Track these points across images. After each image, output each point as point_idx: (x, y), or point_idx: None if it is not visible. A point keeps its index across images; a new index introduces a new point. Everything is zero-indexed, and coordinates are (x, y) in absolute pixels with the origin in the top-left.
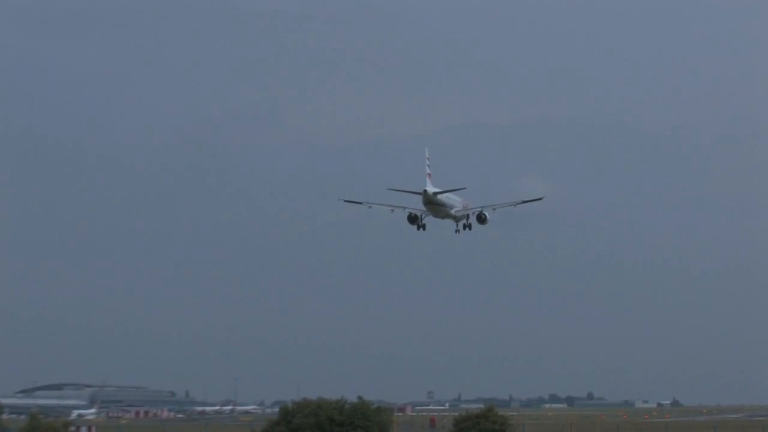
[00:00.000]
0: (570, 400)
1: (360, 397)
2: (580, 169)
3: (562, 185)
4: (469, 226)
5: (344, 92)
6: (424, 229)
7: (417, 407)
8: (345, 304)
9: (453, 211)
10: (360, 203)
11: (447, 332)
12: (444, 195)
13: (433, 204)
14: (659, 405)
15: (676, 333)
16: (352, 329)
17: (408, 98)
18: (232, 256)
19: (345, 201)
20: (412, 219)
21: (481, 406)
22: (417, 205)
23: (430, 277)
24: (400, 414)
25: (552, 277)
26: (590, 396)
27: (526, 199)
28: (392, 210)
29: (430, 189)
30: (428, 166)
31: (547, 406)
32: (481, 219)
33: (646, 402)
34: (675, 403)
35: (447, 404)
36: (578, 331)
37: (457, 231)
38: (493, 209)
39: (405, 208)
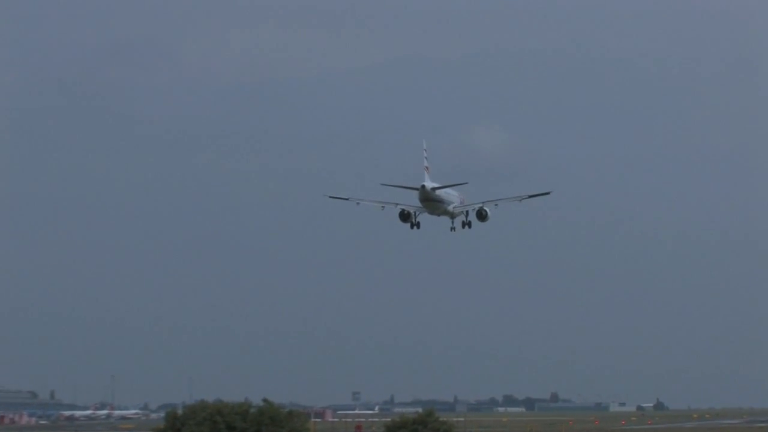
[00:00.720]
0: (529, 403)
1: (266, 400)
2: (545, 114)
3: (523, 135)
4: (469, 224)
5: (256, 21)
6: (418, 227)
7: (339, 411)
8: (251, 286)
9: (451, 207)
10: (347, 199)
11: (377, 323)
12: (443, 190)
13: (430, 201)
14: (640, 408)
15: (661, 324)
16: (258, 318)
17: (332, 29)
18: (111, 223)
19: (330, 197)
20: (405, 216)
21: (419, 410)
22: (410, 201)
23: (358, 260)
24: (319, 420)
25: (506, 257)
26: (554, 398)
27: (532, 194)
28: (382, 207)
29: (429, 184)
30: (426, 158)
31: (501, 409)
32: (482, 216)
33: (623, 405)
34: (659, 406)
35: (377, 408)
36: (540, 322)
37: (452, 228)
38: (495, 205)
39: (397, 204)
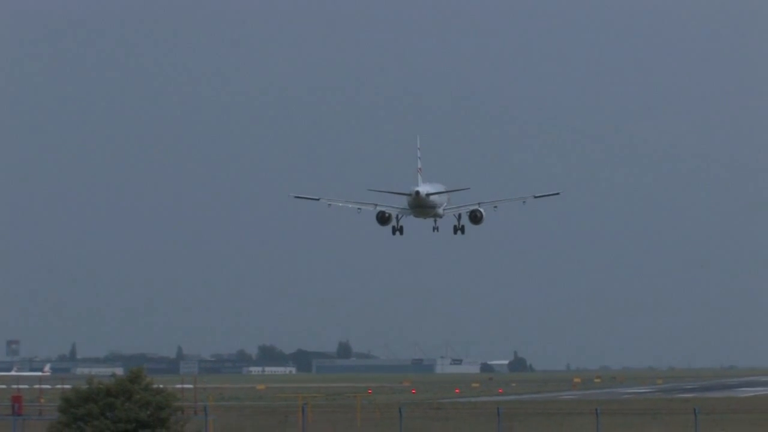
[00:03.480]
0: (303, 359)
1: None
2: None
3: None
4: (462, 229)
5: None
6: (401, 232)
7: None
8: None
9: (441, 210)
10: (317, 200)
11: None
12: (437, 195)
13: (422, 207)
14: (486, 369)
15: (523, 251)
16: None
17: None
18: None
19: (296, 197)
20: (385, 219)
21: (118, 370)
22: (392, 203)
23: None
24: None
25: None
26: (345, 350)
27: (538, 194)
28: (359, 209)
29: (424, 189)
30: (419, 159)
31: (255, 369)
32: (476, 218)
33: (457, 362)
34: (518, 365)
35: (47, 367)
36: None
37: (435, 229)
38: (494, 207)
39: (377, 205)
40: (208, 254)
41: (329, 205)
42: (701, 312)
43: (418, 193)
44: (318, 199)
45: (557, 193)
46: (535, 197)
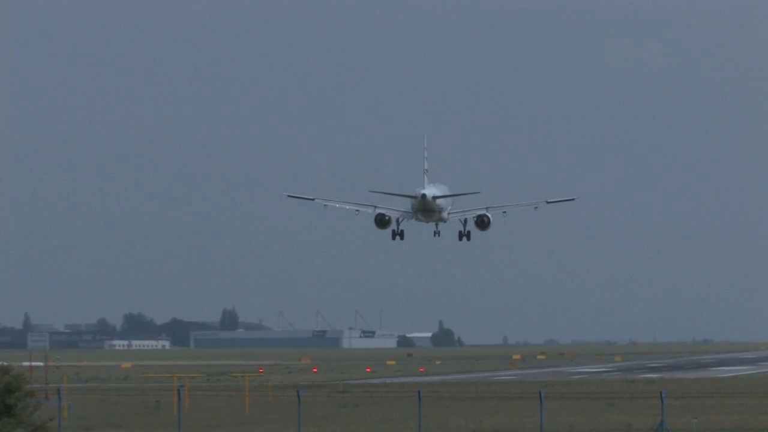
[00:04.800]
0: (178, 331)
1: None
2: None
3: None
4: (468, 235)
5: None
6: (401, 237)
7: None
8: None
9: (445, 214)
10: (312, 200)
11: None
12: (443, 198)
13: (428, 210)
14: (405, 344)
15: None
16: None
17: None
18: None
19: (289, 196)
20: (385, 223)
21: None
22: (395, 205)
23: None
24: None
25: None
26: (230, 320)
27: (551, 200)
28: (357, 211)
29: (431, 192)
30: (426, 159)
31: (120, 343)
32: (483, 223)
33: (369, 335)
34: (442, 339)
35: None
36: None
37: (436, 233)
38: (503, 212)
39: (376, 207)
40: (69, 215)
41: (325, 205)
42: (669, 279)
43: (424, 196)
44: (313, 199)
45: (572, 199)
46: (548, 203)
